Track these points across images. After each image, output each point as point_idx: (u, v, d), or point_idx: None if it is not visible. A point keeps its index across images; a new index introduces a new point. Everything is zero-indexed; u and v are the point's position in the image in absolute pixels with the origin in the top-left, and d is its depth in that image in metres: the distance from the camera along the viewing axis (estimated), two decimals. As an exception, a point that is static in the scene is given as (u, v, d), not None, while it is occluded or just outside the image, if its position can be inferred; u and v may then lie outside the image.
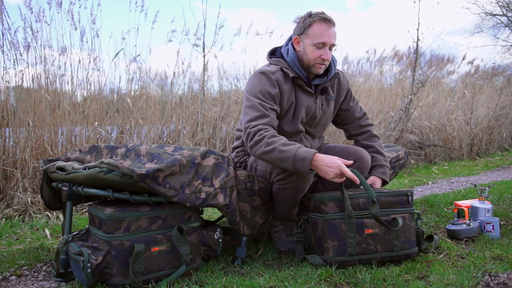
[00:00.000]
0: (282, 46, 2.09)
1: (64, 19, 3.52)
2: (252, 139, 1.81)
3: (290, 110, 1.98)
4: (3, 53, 3.22)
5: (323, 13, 1.93)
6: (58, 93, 3.54)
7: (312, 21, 1.91)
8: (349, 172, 1.70)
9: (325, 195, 1.81)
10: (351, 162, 1.75)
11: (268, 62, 2.06)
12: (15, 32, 3.26)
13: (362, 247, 1.75)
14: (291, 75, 1.94)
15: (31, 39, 3.35)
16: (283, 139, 1.78)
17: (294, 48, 1.99)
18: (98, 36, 3.70)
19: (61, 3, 3.46)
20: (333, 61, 2.05)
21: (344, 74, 2.17)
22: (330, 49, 1.94)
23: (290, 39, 2.05)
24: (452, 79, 8.06)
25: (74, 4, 3.52)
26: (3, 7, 3.15)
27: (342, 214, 1.76)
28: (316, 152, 1.72)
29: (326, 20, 1.91)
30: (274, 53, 2.10)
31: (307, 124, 2.06)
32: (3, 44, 3.21)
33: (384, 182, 2.13)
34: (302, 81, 1.97)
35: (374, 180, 2.08)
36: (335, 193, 1.82)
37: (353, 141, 2.29)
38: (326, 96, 2.07)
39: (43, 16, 3.40)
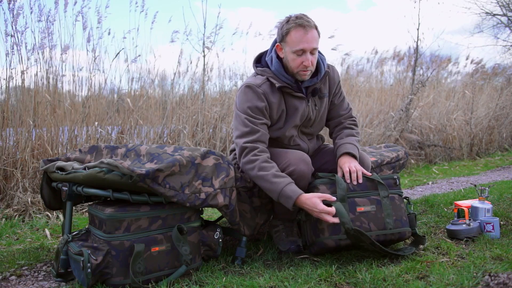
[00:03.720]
0: (267, 51, 2.06)
1: (67, 18, 3.54)
2: (245, 156, 1.87)
3: (281, 118, 1.99)
4: (7, 54, 3.23)
5: (300, 17, 1.88)
6: (59, 93, 3.54)
7: (289, 28, 1.87)
8: (330, 219, 1.74)
9: (315, 179, 1.89)
10: (334, 198, 1.78)
11: (254, 72, 2.05)
12: (22, 33, 3.26)
13: (356, 225, 1.79)
14: (277, 85, 1.92)
15: (34, 39, 3.36)
16: (275, 168, 1.83)
17: (277, 55, 1.98)
18: (109, 34, 3.74)
19: (70, 4, 3.49)
20: (322, 60, 2.02)
21: (334, 68, 2.13)
22: (312, 53, 1.89)
23: (274, 44, 2.02)
24: (453, 79, 8.07)
25: (76, 3, 3.53)
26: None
27: (334, 195, 1.82)
28: (301, 194, 1.77)
29: (304, 25, 1.86)
30: (260, 59, 2.08)
31: (302, 126, 2.06)
32: (7, 44, 3.22)
33: (354, 156, 1.98)
34: (290, 89, 1.95)
35: (346, 165, 1.92)
36: (324, 177, 1.90)
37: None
38: (319, 94, 2.05)
39: (48, 16, 3.41)
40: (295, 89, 1.97)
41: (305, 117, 2.02)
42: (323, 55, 2.05)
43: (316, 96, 2.03)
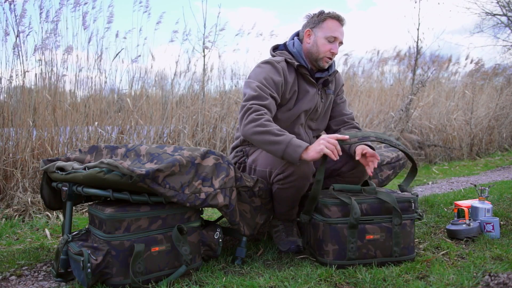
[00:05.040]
0: (284, 42, 2.16)
1: (70, 18, 3.55)
2: (248, 116, 1.82)
3: (292, 99, 2.03)
4: (13, 54, 3.23)
5: (335, 12, 2.05)
6: (59, 93, 3.54)
7: (327, 16, 2.03)
8: (336, 136, 1.74)
9: (328, 199, 1.80)
10: (346, 137, 1.76)
11: (271, 56, 2.12)
12: (27, 35, 3.27)
13: (362, 252, 1.76)
14: (295, 63, 2.01)
15: (35, 40, 3.37)
16: (278, 127, 1.81)
17: (300, 42, 2.08)
18: (116, 37, 3.74)
19: (73, 4, 3.49)
20: (333, 60, 2.14)
21: (339, 73, 2.27)
22: (339, 45, 2.04)
23: (295, 35, 2.14)
24: (453, 79, 8.07)
25: (81, 4, 3.54)
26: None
27: (345, 219, 1.76)
28: (309, 145, 1.76)
29: (340, 18, 2.04)
30: (277, 48, 2.17)
31: (309, 117, 2.10)
32: (9, 44, 3.23)
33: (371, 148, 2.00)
34: (306, 71, 2.03)
35: (364, 148, 1.93)
36: (338, 198, 1.79)
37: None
38: (326, 89, 2.14)
39: (54, 17, 3.41)
40: (310, 74, 2.06)
41: (313, 105, 2.07)
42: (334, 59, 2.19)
43: (325, 87, 2.13)
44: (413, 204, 1.83)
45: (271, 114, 1.88)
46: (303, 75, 2.04)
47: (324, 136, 1.77)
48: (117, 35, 3.82)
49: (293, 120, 2.05)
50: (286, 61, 2.02)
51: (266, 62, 1.99)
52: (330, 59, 2.04)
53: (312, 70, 2.07)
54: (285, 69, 1.99)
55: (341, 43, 2.05)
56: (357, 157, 1.88)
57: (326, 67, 2.06)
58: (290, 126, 2.04)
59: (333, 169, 2.08)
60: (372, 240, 1.76)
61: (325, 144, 1.71)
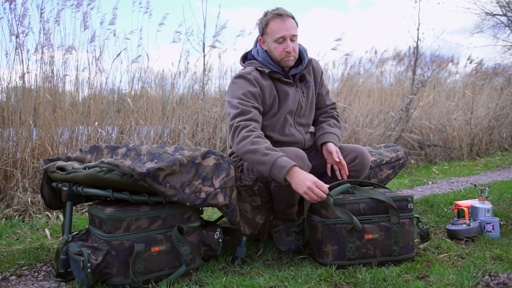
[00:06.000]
0: (250, 50, 2.17)
1: (71, 19, 3.55)
2: (238, 134, 1.84)
3: (275, 104, 2.03)
4: (9, 54, 3.23)
5: (277, 9, 2.00)
6: (60, 93, 3.54)
7: (267, 20, 1.99)
8: (321, 191, 1.70)
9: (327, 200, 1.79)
10: (327, 186, 1.74)
11: (242, 67, 2.12)
12: (26, 34, 3.27)
13: (361, 251, 1.76)
14: (267, 71, 2.01)
15: (36, 40, 3.37)
16: (268, 143, 1.82)
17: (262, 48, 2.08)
18: (114, 36, 3.74)
19: (74, 4, 3.50)
20: (304, 51, 2.11)
21: (316, 60, 2.23)
22: (292, 40, 1.99)
23: (257, 40, 2.13)
24: (453, 79, 8.07)
25: (82, 4, 3.54)
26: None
27: (343, 219, 1.75)
28: (296, 165, 1.73)
29: (280, 15, 1.97)
30: (246, 57, 2.17)
31: (296, 115, 2.10)
32: (11, 44, 3.23)
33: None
34: (279, 74, 2.03)
35: (331, 150, 2.01)
36: (336, 199, 1.79)
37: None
38: (305, 83, 2.13)
39: (56, 18, 3.42)
40: (284, 75, 2.05)
41: (297, 103, 2.07)
42: (305, 47, 2.14)
43: (303, 82, 2.11)
44: (409, 203, 1.84)
45: (259, 125, 1.90)
46: (278, 78, 2.02)
47: (316, 182, 1.71)
48: (115, 35, 3.82)
49: (281, 123, 2.04)
50: (257, 69, 2.02)
51: (238, 77, 1.99)
52: (289, 56, 2.00)
53: (284, 70, 2.06)
54: (258, 78, 1.98)
55: (293, 36, 1.98)
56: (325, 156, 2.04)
57: (291, 64, 2.03)
58: (280, 129, 2.04)
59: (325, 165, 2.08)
60: (371, 239, 1.76)
61: (308, 193, 1.70)
